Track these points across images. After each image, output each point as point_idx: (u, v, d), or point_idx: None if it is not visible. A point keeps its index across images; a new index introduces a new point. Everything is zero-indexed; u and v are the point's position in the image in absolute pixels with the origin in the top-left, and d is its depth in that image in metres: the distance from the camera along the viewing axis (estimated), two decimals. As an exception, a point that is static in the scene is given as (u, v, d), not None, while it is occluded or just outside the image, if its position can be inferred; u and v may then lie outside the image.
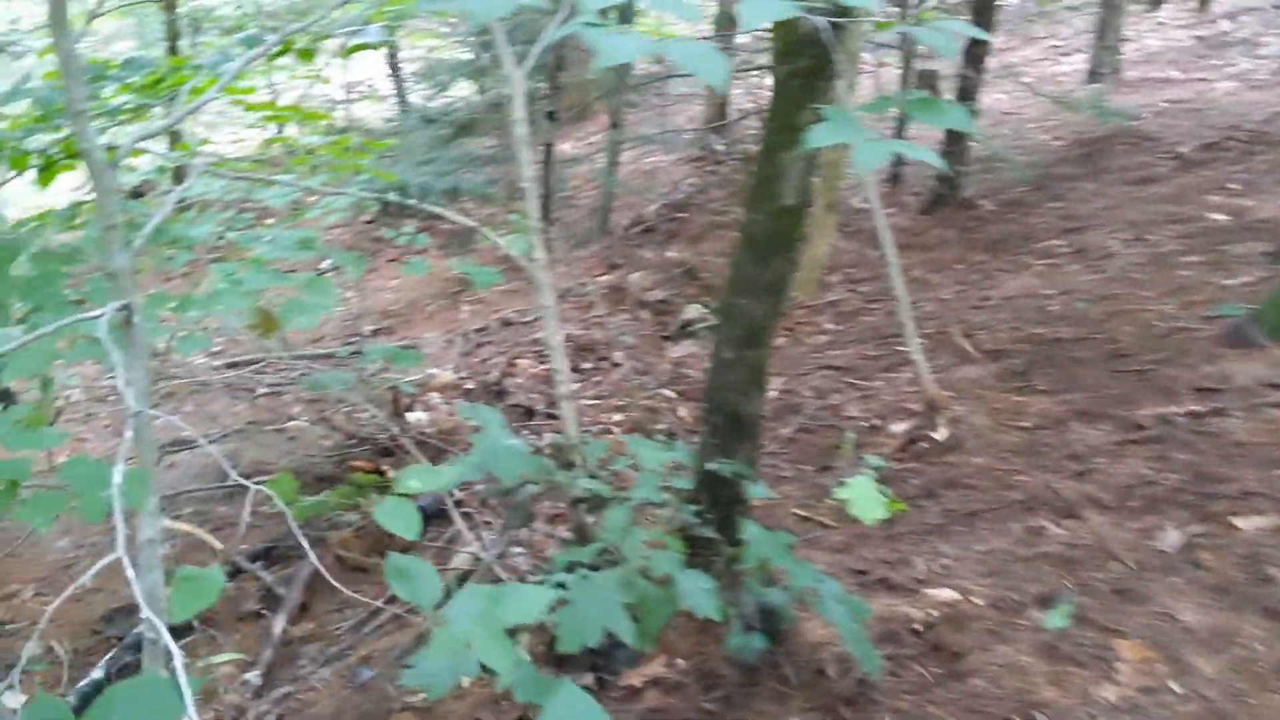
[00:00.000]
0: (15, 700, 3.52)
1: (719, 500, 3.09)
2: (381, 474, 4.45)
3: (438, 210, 3.79)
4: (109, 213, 2.39)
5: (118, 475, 2.26)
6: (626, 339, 5.20)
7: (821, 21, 2.52)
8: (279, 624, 3.62)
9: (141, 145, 3.28)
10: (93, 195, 3.58)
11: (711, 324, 5.90)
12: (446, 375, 5.24)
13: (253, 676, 3.35)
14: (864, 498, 3.02)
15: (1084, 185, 7.31)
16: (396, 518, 1.58)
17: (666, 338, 5.77)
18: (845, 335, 5.53)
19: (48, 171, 3.85)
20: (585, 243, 8.22)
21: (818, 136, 1.86)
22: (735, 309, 2.98)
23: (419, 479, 1.66)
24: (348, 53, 4.10)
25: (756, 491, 3.02)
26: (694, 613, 2.55)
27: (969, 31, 2.19)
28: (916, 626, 3.05)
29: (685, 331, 5.82)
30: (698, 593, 2.56)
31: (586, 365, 5.27)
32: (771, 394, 4.91)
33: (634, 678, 2.99)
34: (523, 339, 5.73)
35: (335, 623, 3.74)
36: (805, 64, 2.76)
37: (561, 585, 2.84)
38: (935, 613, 3.08)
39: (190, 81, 3.49)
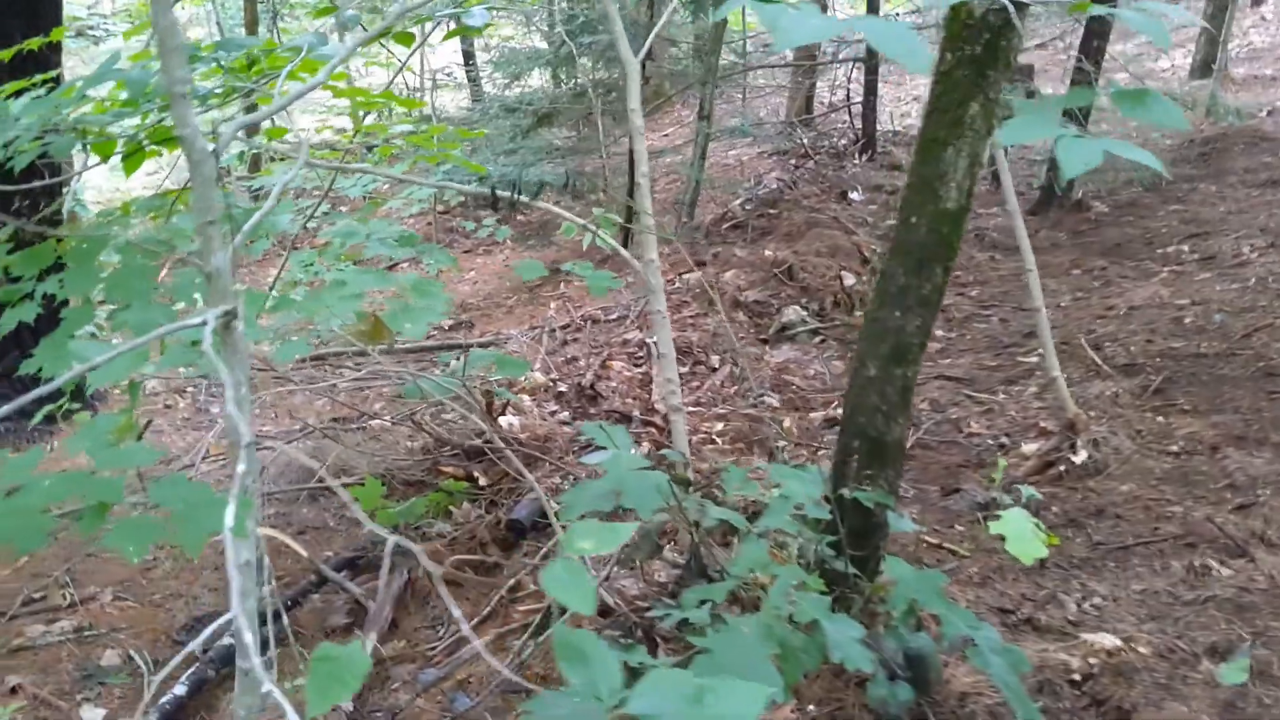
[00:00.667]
0: (95, 715, 3.35)
1: (854, 532, 2.82)
2: (473, 480, 4.22)
3: (555, 210, 3.54)
4: (208, 205, 2.17)
5: (230, 515, 2.04)
6: (733, 342, 4.92)
7: (1003, 1, 2.20)
8: (370, 642, 3.40)
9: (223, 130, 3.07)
10: (179, 183, 3.36)
11: (812, 328, 5.61)
12: (537, 377, 5.00)
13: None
14: (1021, 534, 2.73)
15: (1204, 187, 6.90)
16: (570, 588, 1.32)
17: (764, 341, 5.48)
18: (958, 343, 5.21)
19: (133, 158, 3.66)
20: (667, 239, 7.95)
21: (1013, 133, 1.58)
22: (884, 323, 2.69)
23: (592, 539, 1.40)
24: (450, 35, 3.86)
25: (903, 525, 2.73)
26: (843, 665, 2.29)
27: (1180, 15, 1.90)
28: (1075, 677, 2.75)
29: (784, 335, 5.53)
30: (848, 643, 2.29)
31: (683, 369, 5.00)
32: (883, 405, 4.61)
33: (761, 724, 2.72)
34: (612, 338, 5.47)
35: (428, 641, 3.51)
36: (976, 51, 2.46)
37: (686, 622, 2.58)
38: (1095, 661, 2.78)
39: (288, 65, 3.28)
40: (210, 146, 2.15)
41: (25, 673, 3.52)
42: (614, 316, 6.07)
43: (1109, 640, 2.84)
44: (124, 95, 3.28)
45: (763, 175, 8.98)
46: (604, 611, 3.26)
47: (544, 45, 11.07)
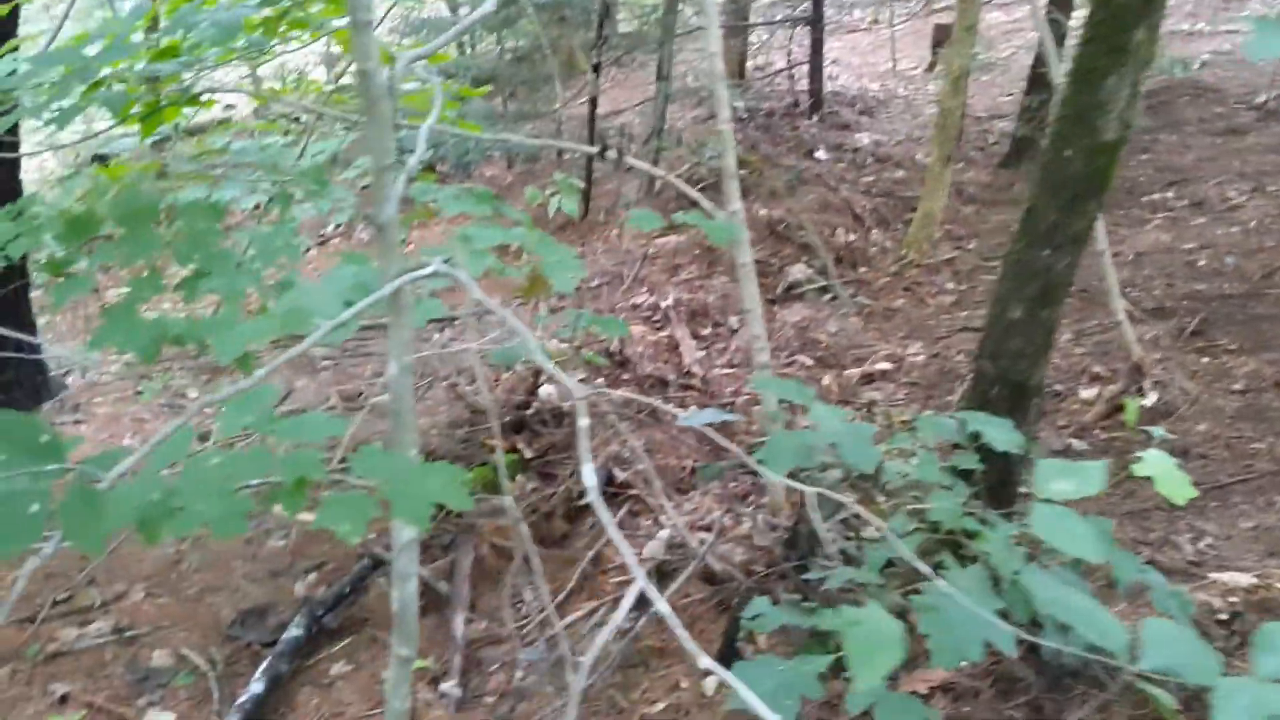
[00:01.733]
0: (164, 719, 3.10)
1: (991, 484, 2.74)
2: (518, 452, 4.04)
3: (643, 165, 3.37)
4: (384, 149, 1.97)
5: (441, 474, 1.86)
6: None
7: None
8: (459, 624, 3.21)
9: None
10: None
11: (820, 286, 5.54)
12: (556, 346, 4.81)
13: (450, 689, 2.95)
14: (1168, 474, 2.68)
15: (1165, 137, 7.04)
16: (1064, 533, 1.20)
17: (772, 300, 5.39)
18: (971, 296, 5.20)
19: (152, 118, 3.38)
20: (635, 202, 7.79)
21: (1259, 46, 1.51)
22: (1030, 263, 2.61)
23: (1071, 480, 1.28)
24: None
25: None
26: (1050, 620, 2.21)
27: None
28: (1222, 616, 2.73)
29: (792, 294, 5.44)
30: (1052, 597, 2.21)
31: (705, 331, 4.88)
32: (918, 358, 4.57)
33: (917, 683, 2.64)
34: (618, 303, 5.31)
35: (509, 620, 3.34)
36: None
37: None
38: (1236, 600, 2.76)
39: None
40: (387, 81, 1.96)
41: (71, 679, 3.24)
42: (606, 281, 5.91)
43: (1243, 579, 2.83)
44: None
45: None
46: (709, 579, 3.14)
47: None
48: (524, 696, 2.91)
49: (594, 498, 1.28)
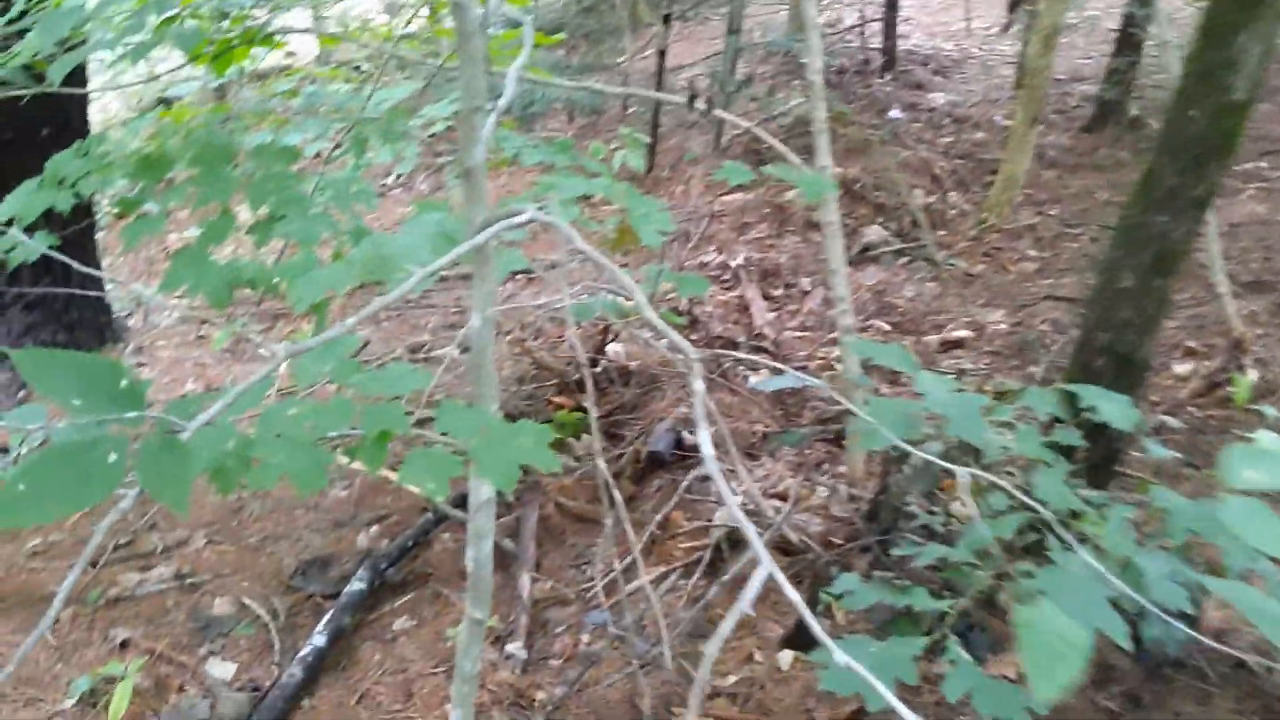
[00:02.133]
0: (225, 671, 3.06)
1: (1093, 462, 2.61)
2: (584, 411, 3.95)
3: (731, 117, 3.23)
4: (475, 89, 1.86)
5: (528, 434, 1.77)
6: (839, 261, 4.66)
7: None
8: (525, 584, 3.14)
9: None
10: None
11: (896, 249, 5.37)
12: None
13: (516, 649, 2.88)
14: (1283, 458, 2.52)
15: (1260, 105, 6.73)
16: (1254, 526, 1.07)
17: (846, 262, 5.22)
18: (1054, 263, 5.01)
19: (224, 58, 3.31)
20: (700, 156, 7.63)
21: None
22: (1146, 228, 2.45)
23: (1267, 468, 1.15)
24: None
25: (1158, 450, 2.52)
26: (1158, 607, 2.08)
27: None
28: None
29: (867, 256, 5.28)
30: (1164, 583, 2.08)
31: (776, 292, 4.74)
32: (1000, 326, 4.41)
33: (1004, 666, 2.52)
34: (689, 260, 5.18)
35: (575, 581, 3.26)
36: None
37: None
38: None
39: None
40: (480, 17, 1.85)
41: (131, 624, 3.21)
42: (673, 238, 5.76)
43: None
44: None
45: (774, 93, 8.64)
46: (785, 549, 3.04)
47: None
48: (591, 661, 2.82)
49: (711, 468, 1.17)
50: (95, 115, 9.03)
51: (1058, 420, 2.58)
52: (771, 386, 2.87)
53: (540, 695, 2.73)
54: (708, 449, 1.23)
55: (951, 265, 4.96)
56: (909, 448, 1.93)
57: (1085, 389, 2.15)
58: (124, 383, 1.30)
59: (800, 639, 2.70)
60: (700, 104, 2.77)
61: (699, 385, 1.27)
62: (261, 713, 2.81)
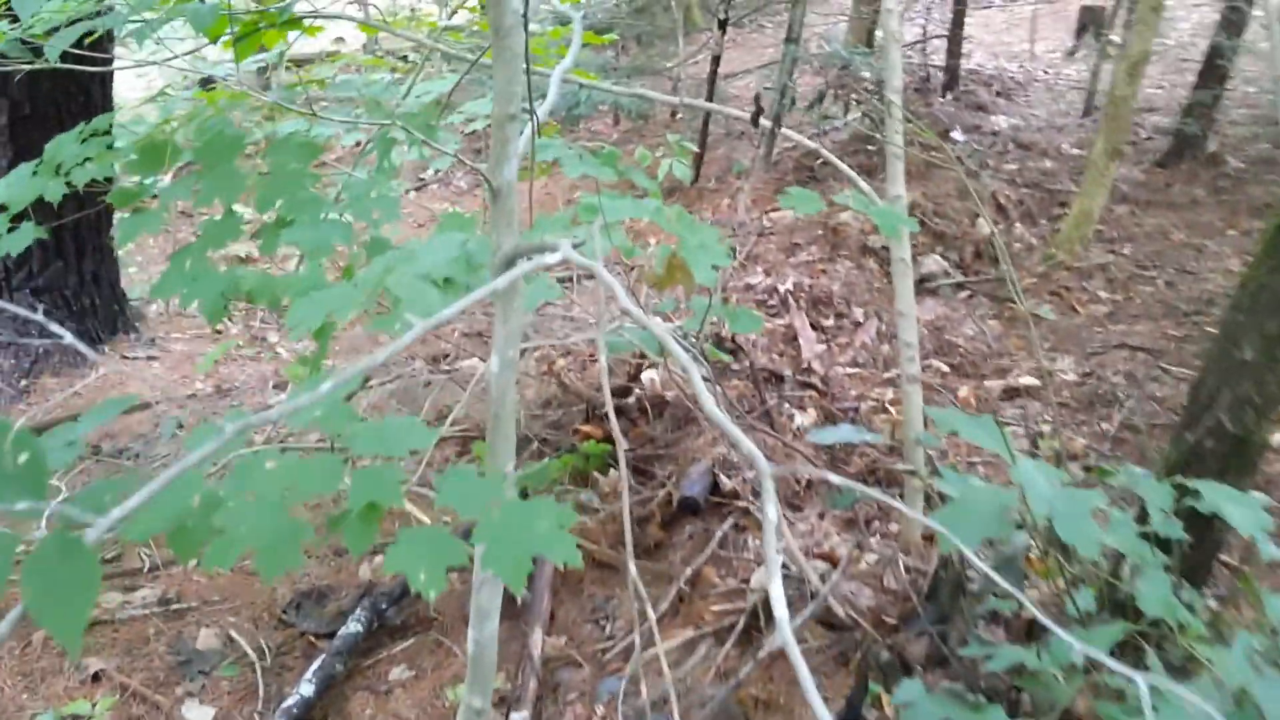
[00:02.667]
0: (202, 715, 2.77)
1: (1189, 554, 2.27)
2: (612, 443, 3.64)
3: (797, 137, 2.91)
4: (510, 92, 1.56)
5: (546, 516, 1.47)
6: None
7: None
8: (536, 640, 2.83)
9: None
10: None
11: (955, 282, 5.03)
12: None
13: (522, 719, 2.57)
14: None
15: (1347, 148, 6.34)
16: None
17: (901, 293, 4.88)
18: (1127, 308, 4.65)
19: (248, 40, 3.01)
20: (749, 170, 7.30)
21: None
22: (1275, 291, 2.11)
23: None
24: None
25: (1272, 551, 2.17)
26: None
27: None
28: None
29: (924, 287, 4.94)
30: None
31: (825, 322, 4.41)
32: (1068, 376, 4.06)
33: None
34: (732, 282, 4.86)
35: (593, 639, 2.95)
36: None
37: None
38: None
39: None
40: (519, 10, 1.55)
41: (108, 654, 2.93)
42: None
43: None
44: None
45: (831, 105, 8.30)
46: (828, 623, 2.72)
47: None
48: (603, 740, 2.52)
49: (786, 637, 0.86)
50: (139, 91, 8.80)
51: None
52: (829, 439, 2.56)
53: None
54: (781, 611, 0.91)
55: (1039, 311, 4.61)
56: (976, 562, 1.61)
57: (1208, 487, 1.82)
58: (22, 456, 1.01)
59: (844, 732, 2.38)
60: (765, 121, 2.45)
61: (771, 511, 0.95)
62: (237, 770, 2.53)
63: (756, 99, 2.51)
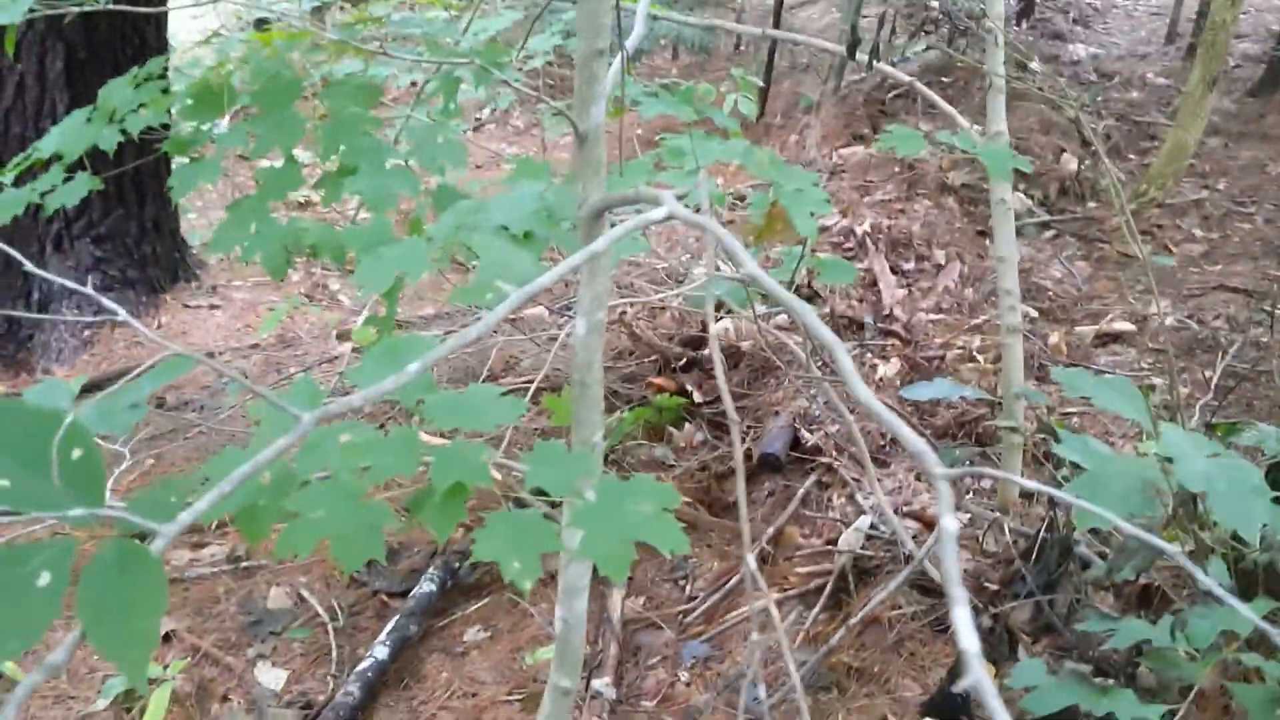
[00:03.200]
0: (275, 679, 2.71)
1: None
2: (687, 395, 3.51)
3: (892, 71, 2.71)
4: (596, 27, 1.41)
5: (647, 498, 1.35)
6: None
7: None
8: (616, 602, 2.73)
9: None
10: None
11: (1041, 220, 4.80)
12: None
13: (604, 687, 2.47)
14: None
15: None
16: None
17: (982, 233, 4.68)
18: (1223, 246, 4.40)
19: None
20: (818, 104, 7.05)
21: None
22: None
23: None
24: None
25: None
26: None
27: None
28: None
29: (1008, 227, 4.70)
30: None
31: (906, 265, 4.22)
32: (1165, 319, 3.84)
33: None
34: (804, 223, 4.66)
35: (672, 601, 2.84)
36: None
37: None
38: None
39: None
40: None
41: (178, 613, 2.88)
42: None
43: None
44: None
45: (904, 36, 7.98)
46: (923, 588, 2.58)
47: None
48: (689, 714, 2.40)
49: (977, 673, 0.72)
50: (191, 35, 8.69)
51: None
52: (925, 395, 2.40)
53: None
54: (970, 643, 0.77)
55: (1162, 256, 4.38)
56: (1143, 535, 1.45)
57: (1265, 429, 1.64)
58: (76, 452, 0.89)
59: (946, 705, 2.25)
60: (862, 54, 2.27)
61: (950, 523, 0.81)
62: (313, 735, 2.46)
63: (852, 29, 2.32)
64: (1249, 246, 4.34)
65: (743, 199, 4.66)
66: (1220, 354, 3.55)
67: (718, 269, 3.63)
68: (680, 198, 1.22)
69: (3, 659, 0.79)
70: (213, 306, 4.85)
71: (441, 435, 2.04)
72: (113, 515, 0.83)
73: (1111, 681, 1.71)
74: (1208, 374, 3.44)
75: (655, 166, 2.00)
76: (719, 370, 1.00)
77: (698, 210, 1.08)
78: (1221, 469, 1.42)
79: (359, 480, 1.34)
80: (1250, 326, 3.72)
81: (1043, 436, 2.40)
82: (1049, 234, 4.65)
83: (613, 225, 1.58)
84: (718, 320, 3.63)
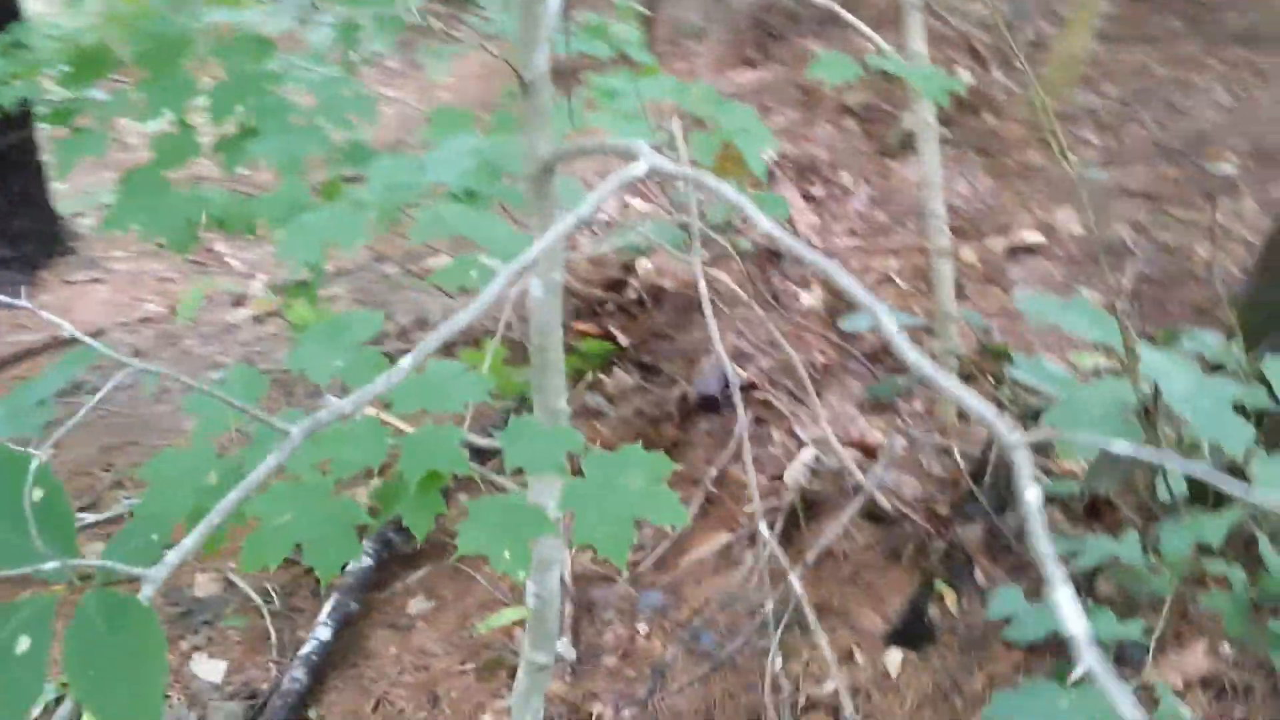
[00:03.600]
0: (214, 670, 2.59)
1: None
2: (612, 339, 3.43)
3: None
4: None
5: (639, 469, 1.28)
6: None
7: None
8: (566, 561, 2.66)
9: None
10: None
11: (943, 137, 4.79)
12: (636, 205, 4.14)
13: (562, 647, 2.41)
14: None
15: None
16: None
17: (884, 153, 4.67)
18: (1120, 153, 4.47)
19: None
20: (702, 29, 6.94)
21: None
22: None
23: None
24: None
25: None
26: None
27: None
28: None
29: (908, 145, 4.70)
30: None
31: (815, 191, 4.19)
32: (1073, 228, 3.90)
33: (1170, 672, 2.08)
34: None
35: (619, 552, 2.79)
36: None
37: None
38: None
39: None
40: None
41: (100, 611, 2.72)
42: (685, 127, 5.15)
43: None
44: None
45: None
46: (874, 517, 2.57)
47: None
48: (661, 673, 2.36)
49: (1090, 661, 0.67)
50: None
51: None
52: (864, 326, 2.37)
53: (597, 710, 2.28)
54: (1079, 627, 0.72)
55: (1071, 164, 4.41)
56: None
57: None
58: (37, 494, 0.78)
59: (911, 633, 2.25)
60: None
61: (1032, 495, 0.75)
62: (261, 728, 2.36)
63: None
64: (1143, 150, 4.42)
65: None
66: (1129, 258, 3.61)
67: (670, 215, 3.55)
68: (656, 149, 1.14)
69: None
70: (95, 280, 4.58)
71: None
72: (95, 566, 0.73)
73: (1091, 602, 1.71)
74: (1122, 280, 3.50)
75: (586, 107, 1.90)
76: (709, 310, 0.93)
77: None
78: (1201, 389, 1.40)
79: (323, 478, 1.25)
80: (1156, 230, 3.79)
81: (981, 358, 2.39)
82: (950, 150, 4.66)
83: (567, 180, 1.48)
84: (638, 260, 3.55)
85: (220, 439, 1.47)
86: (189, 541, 0.70)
